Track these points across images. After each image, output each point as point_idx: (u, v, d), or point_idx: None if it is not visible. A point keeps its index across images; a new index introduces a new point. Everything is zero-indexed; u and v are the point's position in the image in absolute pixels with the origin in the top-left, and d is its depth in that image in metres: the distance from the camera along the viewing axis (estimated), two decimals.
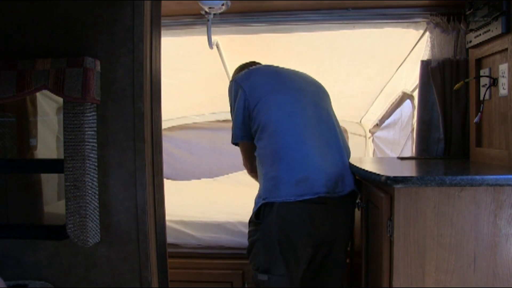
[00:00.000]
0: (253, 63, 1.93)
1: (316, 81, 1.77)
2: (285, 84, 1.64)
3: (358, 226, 1.66)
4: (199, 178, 3.63)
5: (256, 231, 1.53)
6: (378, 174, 1.20)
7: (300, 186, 1.47)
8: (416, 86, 2.12)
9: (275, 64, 1.79)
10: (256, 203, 1.54)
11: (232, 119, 1.68)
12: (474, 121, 1.62)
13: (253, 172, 1.70)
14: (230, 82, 1.73)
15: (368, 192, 1.43)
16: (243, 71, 1.72)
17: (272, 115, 1.55)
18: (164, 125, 2.49)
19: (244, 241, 2.00)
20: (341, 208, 1.55)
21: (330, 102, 1.74)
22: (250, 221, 1.58)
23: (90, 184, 1.41)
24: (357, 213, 1.65)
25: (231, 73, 2.75)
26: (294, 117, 1.56)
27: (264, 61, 2.63)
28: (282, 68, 1.75)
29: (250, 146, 1.64)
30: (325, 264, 1.59)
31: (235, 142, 1.70)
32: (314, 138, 1.55)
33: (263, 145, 1.55)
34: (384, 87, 2.89)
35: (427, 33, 1.95)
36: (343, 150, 1.62)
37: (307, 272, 1.58)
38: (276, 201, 1.47)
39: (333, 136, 1.62)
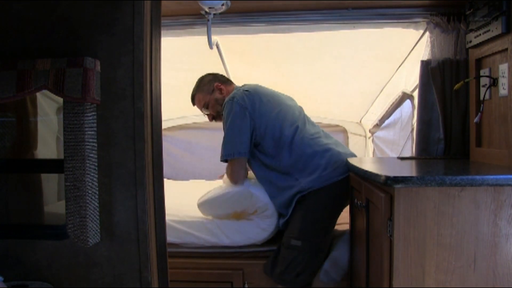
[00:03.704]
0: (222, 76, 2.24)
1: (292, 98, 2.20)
2: (283, 102, 2.05)
3: (358, 225, 1.65)
4: (199, 178, 3.63)
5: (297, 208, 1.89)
6: (378, 174, 1.20)
7: (335, 170, 1.87)
8: (416, 86, 2.12)
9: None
10: (291, 195, 1.90)
11: (231, 136, 1.94)
12: (474, 121, 1.62)
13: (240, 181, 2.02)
14: (229, 101, 1.96)
15: (368, 192, 1.43)
16: (244, 94, 1.97)
17: (285, 129, 1.93)
18: (164, 125, 2.49)
19: (244, 241, 2.00)
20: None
21: None
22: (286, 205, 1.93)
23: (90, 184, 1.41)
24: (358, 213, 1.65)
25: (231, 73, 2.75)
26: (304, 126, 2.00)
27: (264, 61, 2.64)
28: (272, 90, 2.13)
29: (246, 160, 1.99)
30: None
31: (231, 158, 1.96)
32: (323, 136, 2.01)
33: (286, 153, 1.91)
34: (384, 87, 2.88)
35: (427, 33, 1.95)
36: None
37: None
38: (321, 186, 1.85)
39: (327, 135, 2.09)
